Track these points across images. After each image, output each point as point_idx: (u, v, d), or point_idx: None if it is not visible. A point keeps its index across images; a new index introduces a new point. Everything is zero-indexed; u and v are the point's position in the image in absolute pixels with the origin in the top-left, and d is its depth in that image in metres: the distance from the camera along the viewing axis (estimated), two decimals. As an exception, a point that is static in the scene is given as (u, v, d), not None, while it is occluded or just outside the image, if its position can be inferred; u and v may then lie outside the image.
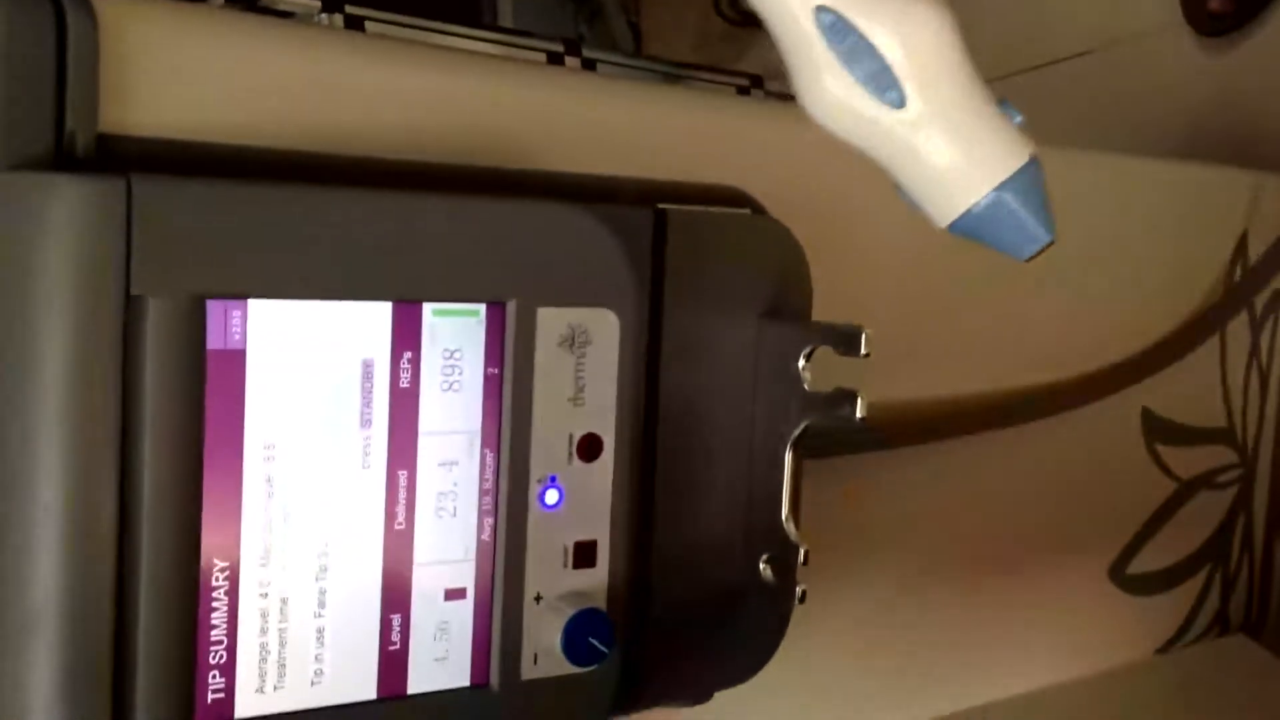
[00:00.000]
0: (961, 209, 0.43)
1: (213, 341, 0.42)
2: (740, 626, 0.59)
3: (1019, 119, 0.43)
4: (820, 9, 0.41)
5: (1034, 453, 0.78)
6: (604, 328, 0.50)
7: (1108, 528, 0.85)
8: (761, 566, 0.59)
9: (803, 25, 0.42)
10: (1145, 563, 0.86)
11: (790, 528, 0.58)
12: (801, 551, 0.58)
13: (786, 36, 0.43)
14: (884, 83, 0.42)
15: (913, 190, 0.44)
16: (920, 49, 0.41)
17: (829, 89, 0.43)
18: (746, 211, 0.60)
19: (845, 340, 0.56)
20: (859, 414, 0.56)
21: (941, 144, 0.42)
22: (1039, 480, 0.80)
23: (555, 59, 0.87)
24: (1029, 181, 0.43)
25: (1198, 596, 0.93)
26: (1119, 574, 0.84)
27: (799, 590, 0.58)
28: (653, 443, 0.55)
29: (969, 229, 0.44)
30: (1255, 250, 0.87)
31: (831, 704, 0.70)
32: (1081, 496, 0.82)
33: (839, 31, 0.41)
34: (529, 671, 0.49)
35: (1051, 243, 0.44)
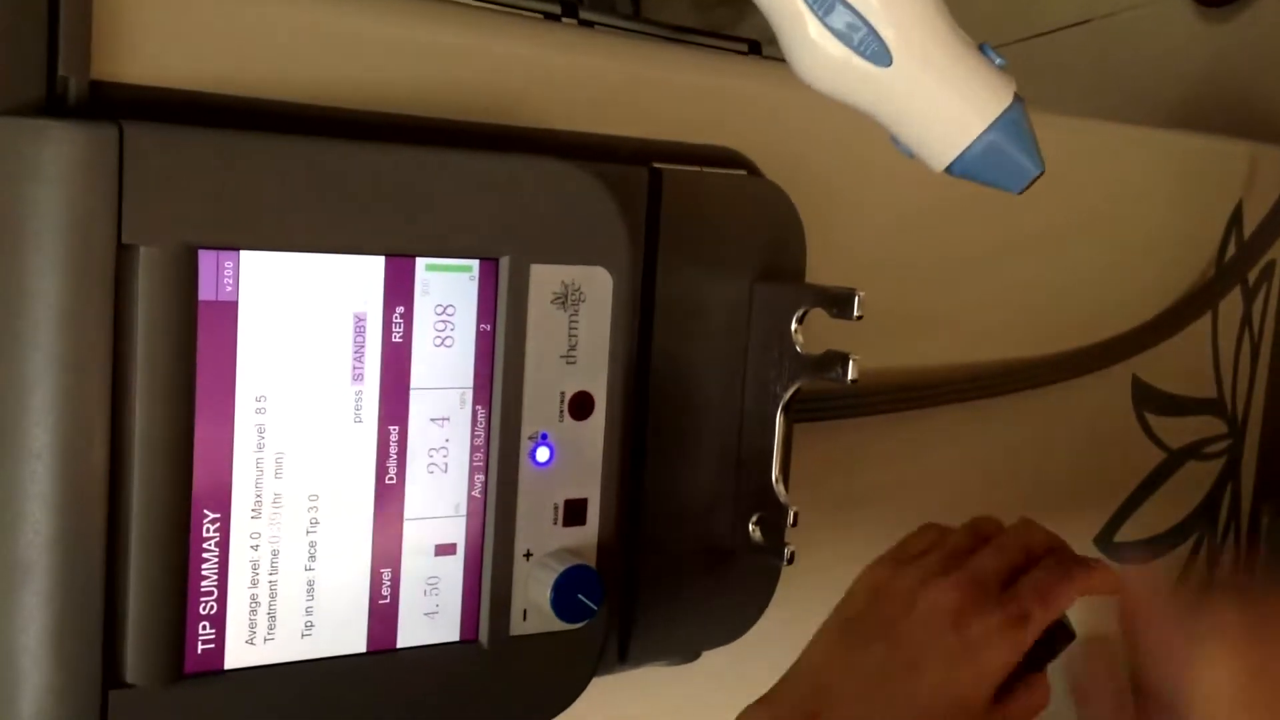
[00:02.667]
0: (956, 152, 0.45)
1: (205, 292, 0.42)
2: (729, 587, 0.60)
3: (999, 61, 0.45)
4: None
5: (1023, 421, 0.78)
6: (597, 286, 0.50)
7: (1096, 496, 0.85)
8: (751, 527, 0.59)
9: None
10: (1132, 531, 0.86)
11: (780, 489, 0.59)
12: (791, 513, 0.58)
13: (771, 3, 0.43)
14: (867, 40, 0.42)
15: (907, 139, 0.46)
16: (898, 4, 0.42)
17: (816, 50, 0.44)
18: (742, 173, 0.60)
19: (838, 303, 0.56)
20: (850, 377, 0.56)
21: (931, 93, 0.44)
22: (1027, 448, 0.80)
23: (552, 19, 0.86)
24: (1016, 119, 0.45)
25: (1183, 566, 0.93)
26: (1105, 542, 0.85)
27: (788, 551, 0.58)
28: (644, 402, 0.55)
29: (965, 170, 0.45)
30: (1250, 220, 0.87)
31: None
32: (1070, 465, 0.83)
33: None
34: (518, 627, 0.49)
35: (1041, 173, 0.45)
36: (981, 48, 0.45)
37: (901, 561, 0.56)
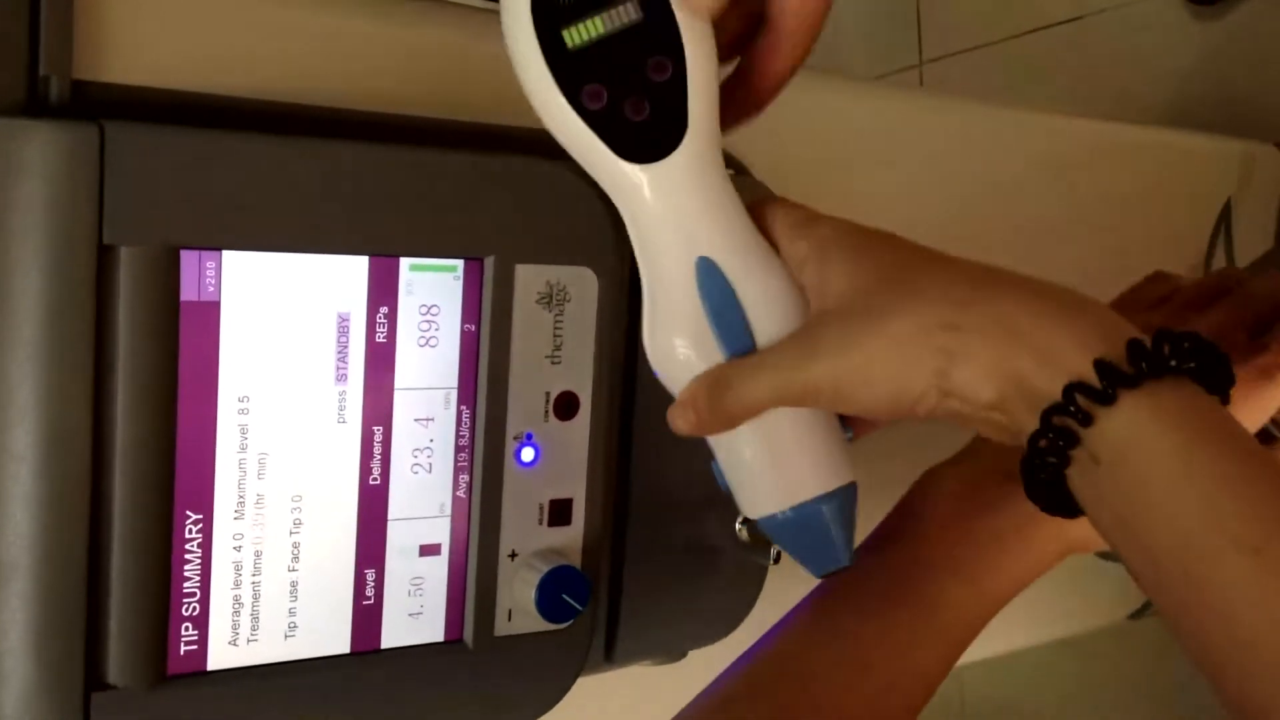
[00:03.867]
0: (779, 508, 0.41)
1: (187, 293, 0.42)
2: (715, 586, 0.60)
3: (849, 434, 0.42)
4: (703, 259, 0.40)
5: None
6: (583, 286, 0.50)
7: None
8: (738, 526, 0.59)
9: (681, 269, 0.40)
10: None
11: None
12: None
13: (656, 275, 0.41)
14: (737, 335, 0.40)
15: (731, 470, 0.42)
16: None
17: (682, 335, 0.40)
18: (730, 173, 0.60)
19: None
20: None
21: (782, 439, 0.41)
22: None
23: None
24: (851, 501, 0.42)
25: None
26: (1094, 540, 0.85)
27: (774, 550, 0.58)
28: (630, 402, 0.55)
29: (775, 531, 0.42)
30: (1240, 218, 0.87)
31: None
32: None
33: (712, 280, 0.39)
34: (503, 628, 0.49)
35: (846, 567, 0.42)
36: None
37: (1135, 306, 0.51)
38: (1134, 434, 0.33)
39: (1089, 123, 0.82)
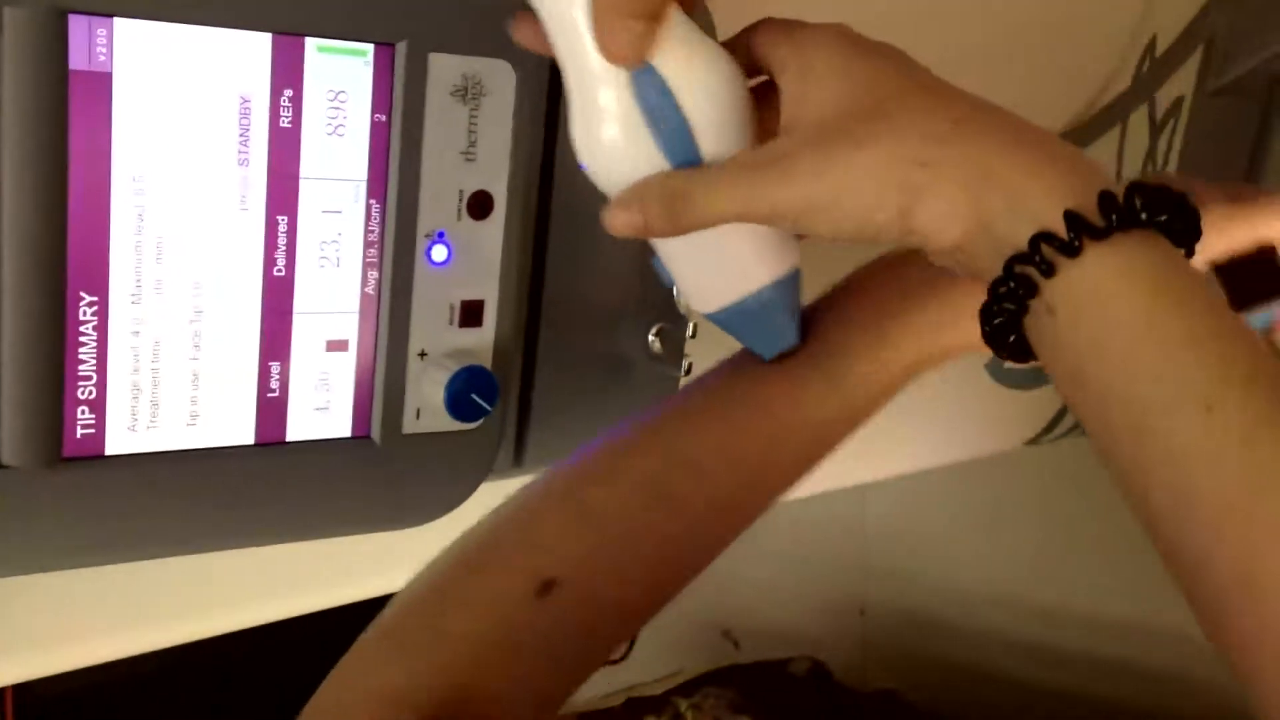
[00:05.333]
0: (730, 299, 0.42)
1: (76, 61, 0.40)
2: (626, 395, 0.60)
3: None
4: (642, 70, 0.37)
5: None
6: (500, 80, 0.48)
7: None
8: (650, 338, 0.59)
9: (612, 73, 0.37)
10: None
11: (682, 303, 0.58)
12: (691, 325, 0.58)
13: (582, 76, 0.38)
14: (683, 144, 0.38)
15: (678, 268, 0.42)
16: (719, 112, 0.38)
17: (619, 136, 0.38)
18: None
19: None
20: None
21: (728, 230, 0.40)
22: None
23: None
24: (796, 284, 0.42)
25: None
26: (996, 367, 0.87)
27: (686, 363, 0.58)
28: (546, 203, 0.54)
29: (728, 321, 0.43)
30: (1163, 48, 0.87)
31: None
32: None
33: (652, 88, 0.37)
34: (411, 425, 0.49)
35: (795, 346, 0.43)
36: None
37: None
38: (1096, 287, 0.33)
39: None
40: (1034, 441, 0.92)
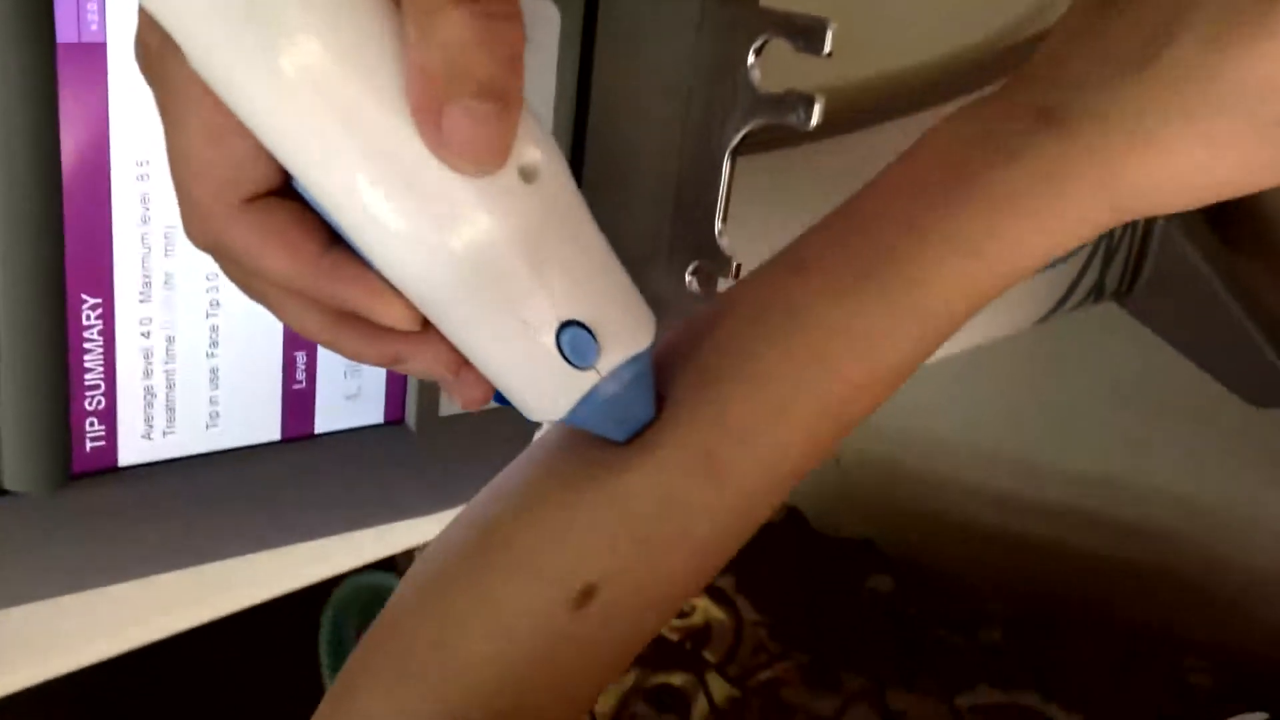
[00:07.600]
0: (573, 402, 0.32)
1: (64, 33, 0.33)
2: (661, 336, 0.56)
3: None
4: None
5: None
6: (545, 20, 0.42)
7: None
8: (688, 278, 0.55)
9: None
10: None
11: (724, 241, 0.54)
12: (734, 265, 0.54)
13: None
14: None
15: (504, 381, 0.33)
16: None
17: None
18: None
19: (806, 33, 0.49)
20: (813, 122, 0.50)
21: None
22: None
23: None
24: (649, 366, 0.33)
25: (1081, 267, 0.93)
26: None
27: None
28: (580, 142, 0.49)
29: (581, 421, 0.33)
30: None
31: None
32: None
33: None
34: (447, 408, 0.45)
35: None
36: None
37: None
38: None
39: None
40: (1044, 320, 0.89)
